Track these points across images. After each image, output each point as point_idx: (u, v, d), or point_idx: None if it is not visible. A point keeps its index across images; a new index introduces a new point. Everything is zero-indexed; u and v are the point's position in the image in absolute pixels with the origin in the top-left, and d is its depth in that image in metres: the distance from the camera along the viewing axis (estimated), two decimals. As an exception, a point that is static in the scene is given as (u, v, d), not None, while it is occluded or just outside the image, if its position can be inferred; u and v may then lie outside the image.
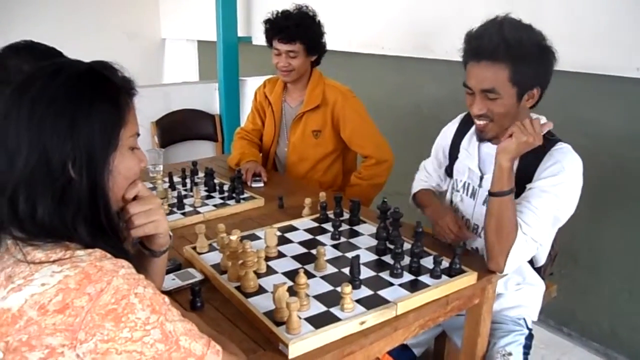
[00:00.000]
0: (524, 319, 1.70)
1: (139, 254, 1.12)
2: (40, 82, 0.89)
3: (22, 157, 0.85)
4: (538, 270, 1.69)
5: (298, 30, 2.24)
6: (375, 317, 1.25)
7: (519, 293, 1.69)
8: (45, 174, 0.86)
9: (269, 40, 2.33)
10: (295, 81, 2.37)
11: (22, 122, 0.86)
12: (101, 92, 0.91)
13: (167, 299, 0.89)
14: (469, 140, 1.73)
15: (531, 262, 1.66)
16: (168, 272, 1.41)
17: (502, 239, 1.43)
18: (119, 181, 0.95)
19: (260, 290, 1.34)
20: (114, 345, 0.80)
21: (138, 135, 0.99)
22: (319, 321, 1.21)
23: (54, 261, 0.83)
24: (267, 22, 2.31)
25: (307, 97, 2.37)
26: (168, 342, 0.84)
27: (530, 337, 1.68)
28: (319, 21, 2.33)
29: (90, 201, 0.89)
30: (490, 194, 1.47)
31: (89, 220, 0.90)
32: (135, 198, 1.02)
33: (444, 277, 1.42)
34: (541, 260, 1.66)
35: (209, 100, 3.90)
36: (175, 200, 1.93)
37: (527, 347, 1.65)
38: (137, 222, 1.03)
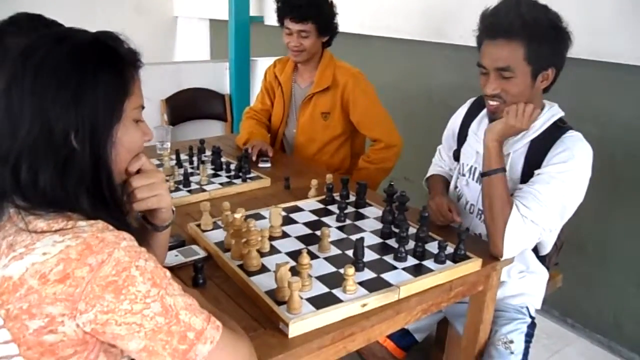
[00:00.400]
0: (527, 307, 1.70)
1: (142, 228, 1.12)
2: (43, 51, 0.88)
3: (25, 126, 0.85)
4: (542, 259, 1.68)
5: (310, 10, 2.21)
6: (377, 299, 1.24)
7: (522, 281, 1.68)
8: (48, 144, 0.85)
9: (281, 19, 2.30)
10: (305, 62, 2.35)
11: (26, 90, 0.86)
12: (106, 62, 0.90)
13: (168, 273, 0.89)
14: (479, 124, 1.71)
15: (535, 250, 1.65)
16: (171, 248, 1.41)
17: (495, 218, 1.45)
18: (122, 153, 0.94)
19: (263, 269, 1.34)
20: (113, 317, 0.80)
21: (143, 108, 0.98)
22: (320, 302, 1.20)
23: (55, 231, 0.83)
24: (280, 0, 2.29)
25: (318, 78, 2.35)
26: (168, 316, 0.84)
27: (532, 326, 1.67)
28: (331, 2, 2.30)
29: (92, 172, 0.89)
30: (481, 174, 1.51)
31: (91, 191, 0.89)
32: (139, 172, 1.02)
33: (448, 262, 1.41)
34: (546, 249, 1.65)
35: (220, 79, 3.88)
36: (181, 178, 1.92)
37: (529, 336, 1.65)
38: (140, 195, 1.03)
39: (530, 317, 1.69)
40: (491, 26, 1.48)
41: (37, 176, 0.86)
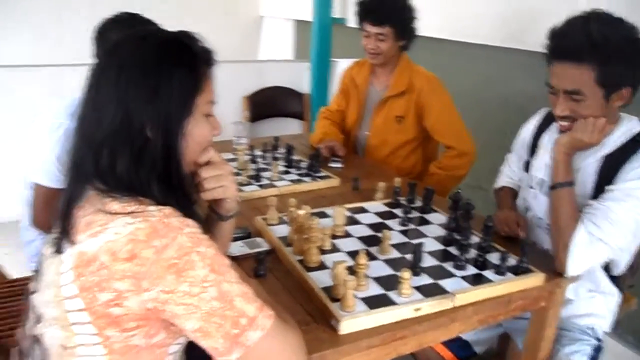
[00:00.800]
0: (594, 328, 1.63)
1: (208, 218, 1.18)
2: (127, 48, 0.96)
3: (108, 116, 0.93)
4: (615, 279, 1.61)
5: (388, 14, 2.23)
6: (431, 305, 1.25)
7: (591, 301, 1.61)
8: (127, 133, 0.93)
9: (360, 21, 2.33)
10: (382, 65, 2.37)
11: (111, 84, 0.94)
12: (182, 59, 0.97)
13: (227, 261, 0.94)
14: (550, 136, 1.66)
15: (607, 269, 1.58)
16: (238, 239, 1.48)
17: (560, 233, 1.41)
18: (191, 145, 1.00)
19: (322, 266, 1.38)
20: (173, 297, 0.87)
21: (213, 103, 1.04)
22: (374, 302, 1.22)
23: (128, 213, 0.90)
24: (359, 3, 2.32)
25: (394, 82, 2.36)
26: (223, 301, 0.89)
27: (598, 349, 1.61)
28: (410, 6, 2.30)
29: (164, 162, 0.96)
30: (550, 187, 1.48)
31: (162, 179, 0.96)
32: (207, 163, 1.08)
33: (509, 274, 1.38)
34: (619, 268, 1.57)
35: (300, 79, 3.96)
36: (253, 173, 2.00)
37: (593, 359, 1.58)
38: (207, 185, 1.09)
39: (597, 339, 1.62)
40: (559, 48, 1.43)
41: (116, 163, 0.94)
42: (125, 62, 0.95)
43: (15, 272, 2.04)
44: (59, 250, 0.95)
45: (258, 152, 2.28)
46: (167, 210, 0.92)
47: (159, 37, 0.99)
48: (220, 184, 1.10)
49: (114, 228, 0.88)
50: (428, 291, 1.29)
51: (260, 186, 1.94)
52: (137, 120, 0.93)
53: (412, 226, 1.66)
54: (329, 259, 1.41)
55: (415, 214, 1.74)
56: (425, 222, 1.70)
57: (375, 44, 2.28)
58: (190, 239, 0.89)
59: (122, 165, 0.94)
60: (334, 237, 1.54)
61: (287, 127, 3.84)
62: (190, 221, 0.92)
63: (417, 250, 1.36)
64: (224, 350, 0.90)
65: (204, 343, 0.91)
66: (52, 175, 1.61)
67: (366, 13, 2.28)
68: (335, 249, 1.48)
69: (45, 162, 1.61)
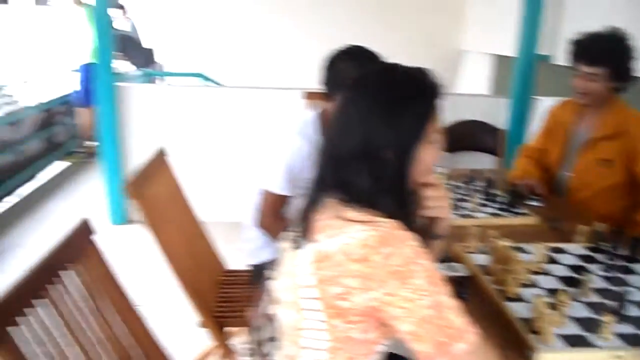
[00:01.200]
0: None
1: (422, 235, 1.29)
2: (372, 80, 1.13)
3: (353, 138, 1.10)
4: None
5: (604, 54, 2.17)
6: (635, 356, 1.22)
7: None
8: (367, 154, 1.09)
9: (573, 60, 2.29)
10: (592, 105, 2.30)
11: (357, 111, 1.11)
12: (418, 92, 1.11)
13: (441, 275, 1.05)
14: None
15: None
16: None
17: None
18: (419, 168, 1.12)
19: (520, 299, 1.42)
20: (393, 300, 1.00)
21: (439, 132, 1.16)
22: (571, 341, 1.24)
23: (362, 221, 1.05)
24: (574, 42, 2.28)
25: (602, 123, 2.28)
26: (436, 311, 1.00)
27: None
28: (629, 46, 2.20)
29: (396, 181, 1.10)
30: None
31: (393, 196, 1.10)
32: (427, 185, 1.20)
33: None
34: None
35: (498, 114, 3.95)
36: (453, 202, 2.09)
37: None
38: (429, 203, 1.21)
39: None
40: None
41: (355, 177, 1.09)
42: (370, 92, 1.12)
43: (232, 264, 2.37)
44: (297, 246, 1.14)
45: (456, 183, 2.36)
46: (395, 223, 1.06)
47: (400, 72, 1.14)
48: (439, 203, 1.22)
49: (349, 233, 1.04)
50: (632, 340, 1.26)
51: (460, 215, 2.02)
52: (377, 143, 1.08)
53: (615, 274, 1.61)
54: (526, 292, 1.45)
55: (619, 262, 1.68)
56: (630, 271, 1.64)
57: (585, 84, 2.22)
58: (413, 250, 1.02)
59: (361, 181, 1.09)
60: (532, 272, 1.56)
61: (479, 161, 3.84)
62: (413, 235, 1.05)
63: (622, 297, 1.34)
64: (430, 355, 1.00)
65: (414, 345, 1.02)
66: (280, 184, 1.87)
67: (581, 52, 2.23)
68: (533, 284, 1.51)
69: (276, 172, 1.88)
